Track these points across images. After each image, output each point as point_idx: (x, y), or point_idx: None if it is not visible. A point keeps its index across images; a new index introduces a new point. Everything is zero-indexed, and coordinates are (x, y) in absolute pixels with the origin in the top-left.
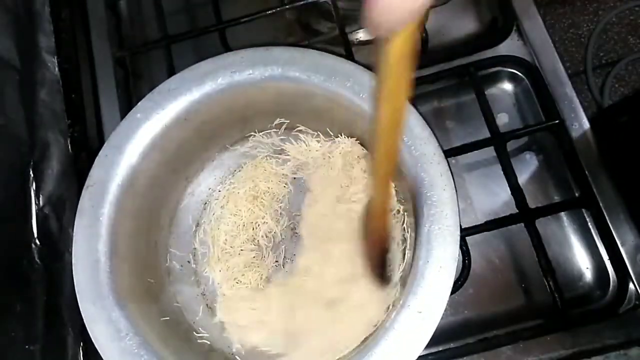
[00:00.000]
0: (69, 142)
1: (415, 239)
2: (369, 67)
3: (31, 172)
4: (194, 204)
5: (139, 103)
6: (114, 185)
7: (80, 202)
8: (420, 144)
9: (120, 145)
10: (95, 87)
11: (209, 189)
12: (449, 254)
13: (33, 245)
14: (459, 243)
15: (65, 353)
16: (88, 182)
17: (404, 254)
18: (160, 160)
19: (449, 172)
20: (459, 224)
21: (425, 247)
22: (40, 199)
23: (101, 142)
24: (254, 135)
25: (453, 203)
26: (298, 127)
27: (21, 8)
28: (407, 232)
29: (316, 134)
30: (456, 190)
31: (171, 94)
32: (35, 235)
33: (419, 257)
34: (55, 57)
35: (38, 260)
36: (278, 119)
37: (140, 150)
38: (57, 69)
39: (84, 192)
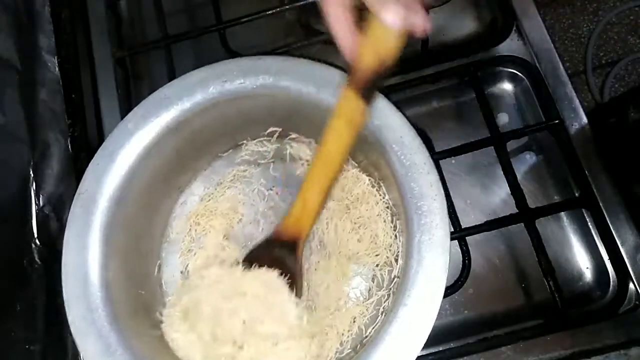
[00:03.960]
0: (69, 142)
1: (406, 248)
2: None
3: (31, 172)
4: (187, 213)
5: (130, 112)
6: (106, 194)
7: (71, 210)
8: (410, 153)
9: (112, 154)
10: (96, 87)
11: (201, 198)
12: (439, 264)
13: (33, 245)
14: (449, 252)
15: (65, 353)
16: (79, 190)
17: (396, 260)
18: (152, 170)
19: (439, 182)
20: (449, 234)
21: (415, 257)
22: (40, 199)
23: (101, 142)
24: (246, 144)
25: (443, 213)
26: (290, 134)
27: (21, 8)
28: (399, 239)
29: (309, 141)
30: (447, 199)
31: (162, 103)
32: (35, 235)
33: (410, 268)
34: (56, 57)
35: (38, 260)
36: (270, 127)
37: (132, 159)
38: (57, 69)
39: (75, 200)
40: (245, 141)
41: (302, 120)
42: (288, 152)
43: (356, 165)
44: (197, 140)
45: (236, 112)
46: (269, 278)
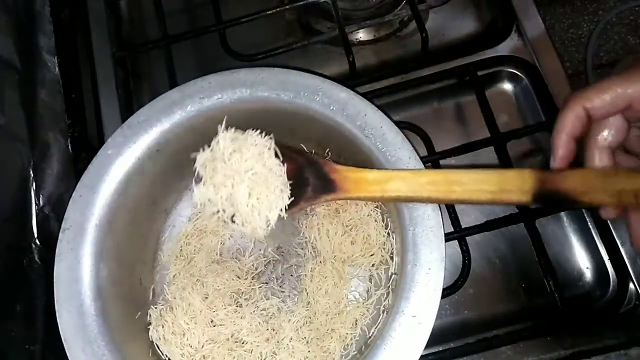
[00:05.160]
0: (69, 142)
1: (401, 244)
2: (337, 80)
3: (31, 172)
4: (176, 235)
5: (109, 139)
6: (92, 225)
7: (57, 246)
8: (394, 149)
9: (94, 184)
10: (95, 87)
11: (189, 218)
12: (435, 255)
13: (33, 245)
14: (444, 242)
15: (65, 353)
16: (64, 225)
17: (392, 258)
18: (136, 195)
19: None
20: (441, 224)
21: (411, 251)
22: (40, 199)
23: (101, 142)
24: None
25: (434, 203)
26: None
27: (21, 8)
28: (392, 236)
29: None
30: None
31: (141, 126)
32: (35, 235)
33: (407, 262)
34: (56, 57)
35: (38, 260)
36: None
37: (114, 187)
38: (57, 69)
39: (60, 235)
40: None
41: (283, 130)
42: None
43: None
44: (179, 161)
45: (215, 129)
46: (277, 167)
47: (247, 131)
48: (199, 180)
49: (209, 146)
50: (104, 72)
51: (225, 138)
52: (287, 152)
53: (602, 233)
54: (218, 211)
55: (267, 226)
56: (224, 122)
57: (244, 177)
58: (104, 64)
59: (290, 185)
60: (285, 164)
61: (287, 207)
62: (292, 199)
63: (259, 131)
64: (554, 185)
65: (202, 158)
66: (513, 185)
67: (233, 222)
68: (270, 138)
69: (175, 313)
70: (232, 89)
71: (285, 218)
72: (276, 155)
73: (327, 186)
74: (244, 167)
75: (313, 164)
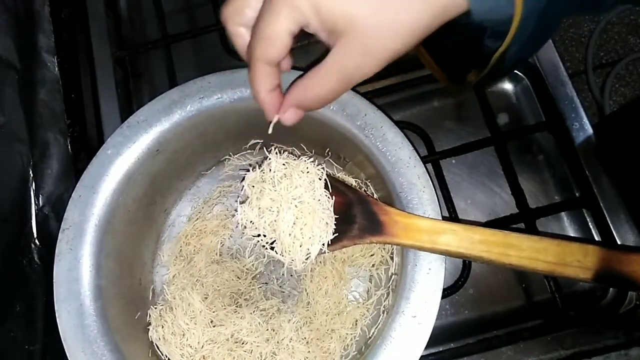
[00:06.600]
0: (68, 141)
1: None
2: None
3: (31, 172)
4: (176, 235)
5: (109, 139)
6: (91, 225)
7: (57, 246)
8: (394, 149)
9: (94, 184)
10: (95, 86)
11: (189, 218)
12: (436, 256)
13: (33, 245)
14: None
15: (65, 353)
16: (63, 225)
17: (392, 258)
18: (136, 195)
19: (426, 174)
20: None
21: (412, 251)
22: (40, 199)
23: (100, 141)
24: (229, 159)
25: (434, 203)
26: (272, 144)
27: (21, 8)
28: None
29: (291, 149)
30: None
31: (141, 126)
32: (35, 235)
33: (407, 262)
34: (55, 57)
35: (38, 261)
36: (252, 140)
37: (114, 187)
38: (56, 68)
39: (60, 235)
40: (227, 157)
41: (283, 130)
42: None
43: (341, 168)
44: (178, 161)
45: (216, 128)
46: (324, 199)
47: (300, 157)
48: (244, 199)
49: (260, 166)
50: (103, 72)
51: (277, 161)
52: (337, 185)
53: (603, 233)
54: (259, 235)
55: (307, 259)
56: (275, 149)
57: (291, 205)
58: (103, 64)
59: (336, 220)
60: (333, 197)
61: (329, 243)
62: (336, 234)
63: (311, 159)
64: (618, 267)
65: (250, 177)
66: (574, 260)
67: (272, 249)
68: (323, 168)
69: (175, 313)
70: (232, 88)
71: (326, 253)
72: (325, 187)
73: (374, 227)
74: (292, 195)
75: (362, 202)
